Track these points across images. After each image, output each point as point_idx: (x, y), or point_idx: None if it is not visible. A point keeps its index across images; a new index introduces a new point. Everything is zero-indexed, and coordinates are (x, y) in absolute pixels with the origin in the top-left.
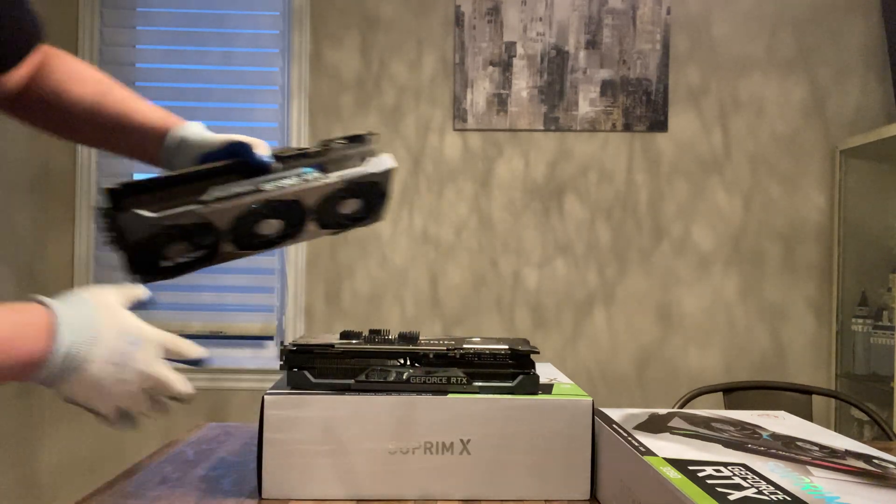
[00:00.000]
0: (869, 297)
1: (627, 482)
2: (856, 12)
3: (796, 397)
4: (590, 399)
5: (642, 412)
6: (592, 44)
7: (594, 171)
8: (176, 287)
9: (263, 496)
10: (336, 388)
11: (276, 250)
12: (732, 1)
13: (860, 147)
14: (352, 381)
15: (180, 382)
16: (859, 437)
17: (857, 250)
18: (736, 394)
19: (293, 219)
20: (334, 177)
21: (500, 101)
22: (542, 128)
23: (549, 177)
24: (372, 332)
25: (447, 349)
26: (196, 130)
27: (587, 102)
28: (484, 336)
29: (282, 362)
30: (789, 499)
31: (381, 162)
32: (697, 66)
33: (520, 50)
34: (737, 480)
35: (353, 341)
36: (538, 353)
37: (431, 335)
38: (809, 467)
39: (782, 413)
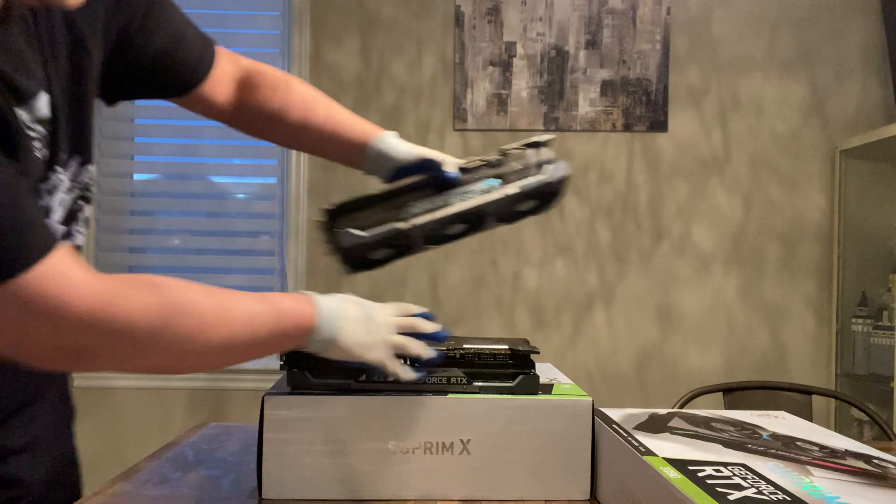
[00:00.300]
0: (869, 297)
1: (627, 482)
2: (856, 12)
3: (796, 397)
4: (590, 399)
5: (642, 412)
6: (592, 44)
7: (594, 171)
8: None
9: (263, 496)
10: (336, 388)
11: (277, 249)
12: (732, 1)
13: (860, 147)
14: (351, 381)
15: (418, 346)
16: (859, 437)
17: (857, 250)
18: (736, 394)
19: (477, 222)
20: (514, 187)
21: (500, 101)
22: (542, 128)
23: None
24: None
25: (447, 349)
26: (391, 143)
27: (587, 102)
28: (483, 336)
29: (281, 362)
30: (789, 499)
31: (557, 170)
32: (697, 66)
33: (520, 50)
34: (737, 480)
35: None
36: (538, 353)
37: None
38: (809, 467)
39: (782, 413)
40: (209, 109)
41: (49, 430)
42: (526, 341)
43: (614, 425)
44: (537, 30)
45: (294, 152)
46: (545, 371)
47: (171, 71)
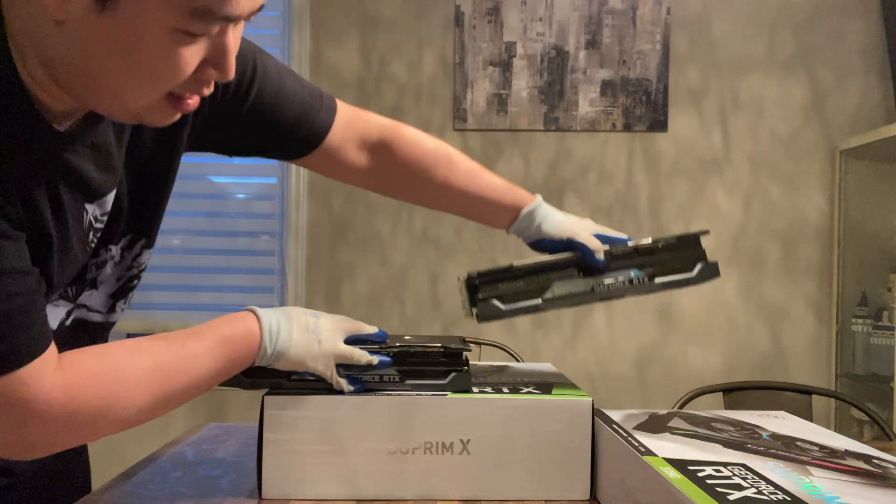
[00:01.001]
0: (869, 297)
1: (627, 482)
2: (856, 12)
3: (796, 397)
4: (590, 399)
5: (642, 412)
6: (592, 44)
7: (594, 171)
8: (176, 287)
9: (263, 496)
10: (266, 387)
11: (277, 249)
12: (732, 1)
13: (860, 147)
14: (285, 380)
15: (362, 355)
16: (859, 437)
17: (857, 250)
18: (736, 394)
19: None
20: (659, 284)
21: (500, 101)
22: (542, 128)
23: (549, 177)
24: None
25: (379, 347)
26: (545, 213)
27: (587, 102)
28: (420, 335)
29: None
30: (789, 499)
31: (706, 272)
32: (697, 66)
33: (520, 50)
34: (737, 480)
35: None
36: (470, 350)
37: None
38: (809, 467)
39: (782, 413)
40: (334, 170)
41: None
42: (462, 339)
43: (614, 425)
44: (537, 30)
45: None
46: (545, 370)
47: (284, 137)
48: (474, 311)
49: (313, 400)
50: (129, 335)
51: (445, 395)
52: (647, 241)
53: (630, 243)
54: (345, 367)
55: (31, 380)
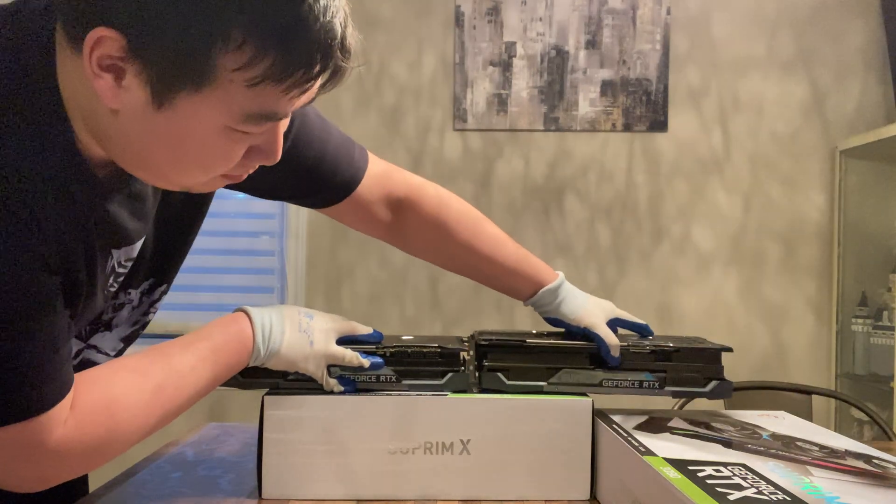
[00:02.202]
0: (869, 297)
1: (627, 482)
2: (856, 13)
3: (796, 397)
4: (590, 399)
5: (642, 412)
6: (592, 44)
7: (594, 171)
8: (176, 287)
9: (263, 496)
10: (265, 385)
11: (277, 249)
12: (732, 1)
13: (860, 147)
14: (281, 380)
15: (354, 357)
16: (859, 437)
17: (857, 250)
18: (736, 394)
19: None
20: (668, 392)
21: (500, 102)
22: (542, 128)
23: (549, 177)
24: None
25: (376, 347)
26: (565, 294)
27: (587, 102)
28: (419, 335)
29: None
30: (789, 499)
31: (720, 391)
32: (697, 66)
33: (520, 50)
34: (737, 480)
35: None
36: (467, 351)
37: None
38: (809, 467)
39: (782, 413)
40: (358, 222)
41: None
42: (460, 339)
43: (614, 425)
44: (537, 30)
45: None
46: None
47: (314, 187)
48: (478, 375)
49: (313, 400)
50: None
51: (445, 395)
52: (669, 345)
53: (647, 343)
54: (338, 368)
55: (51, 423)
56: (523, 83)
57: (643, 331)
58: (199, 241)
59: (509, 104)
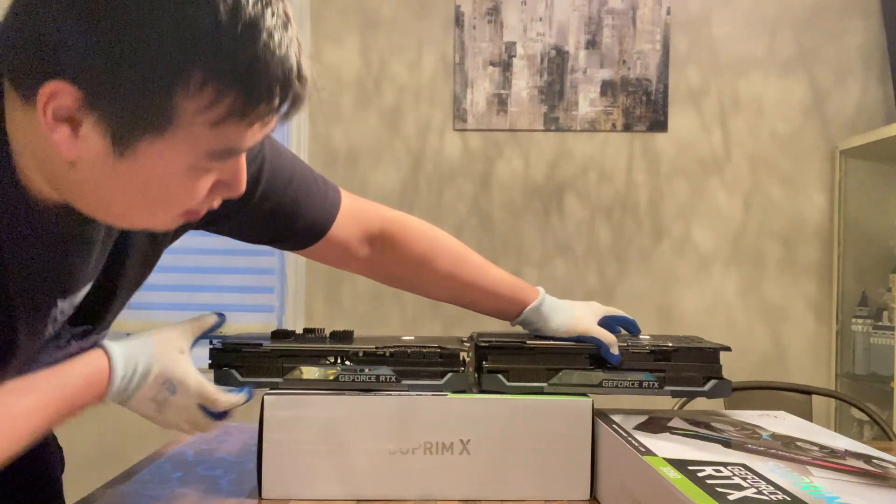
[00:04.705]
0: (869, 297)
1: (627, 482)
2: (856, 13)
3: (796, 397)
4: (590, 399)
5: (642, 412)
6: (592, 44)
7: (594, 171)
8: (176, 287)
9: (263, 496)
10: (264, 385)
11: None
12: (732, 1)
13: (860, 147)
14: (280, 380)
15: (207, 425)
16: (859, 437)
17: (857, 250)
18: (736, 394)
19: None
20: (668, 392)
21: (500, 102)
22: (542, 128)
23: (549, 177)
24: (306, 330)
25: (376, 348)
26: (550, 309)
27: (587, 102)
28: (420, 336)
29: (210, 361)
30: (789, 499)
31: (718, 389)
32: (697, 66)
33: (520, 50)
34: (737, 480)
35: (285, 340)
36: (466, 351)
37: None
38: (809, 467)
39: (782, 413)
40: (336, 260)
41: None
42: (460, 340)
43: (614, 425)
44: (537, 30)
45: (293, 150)
46: None
47: (287, 231)
48: (478, 376)
49: (313, 400)
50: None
51: (445, 395)
52: (668, 345)
53: (646, 343)
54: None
55: None
56: (523, 83)
57: (630, 325)
58: (199, 241)
59: (509, 104)
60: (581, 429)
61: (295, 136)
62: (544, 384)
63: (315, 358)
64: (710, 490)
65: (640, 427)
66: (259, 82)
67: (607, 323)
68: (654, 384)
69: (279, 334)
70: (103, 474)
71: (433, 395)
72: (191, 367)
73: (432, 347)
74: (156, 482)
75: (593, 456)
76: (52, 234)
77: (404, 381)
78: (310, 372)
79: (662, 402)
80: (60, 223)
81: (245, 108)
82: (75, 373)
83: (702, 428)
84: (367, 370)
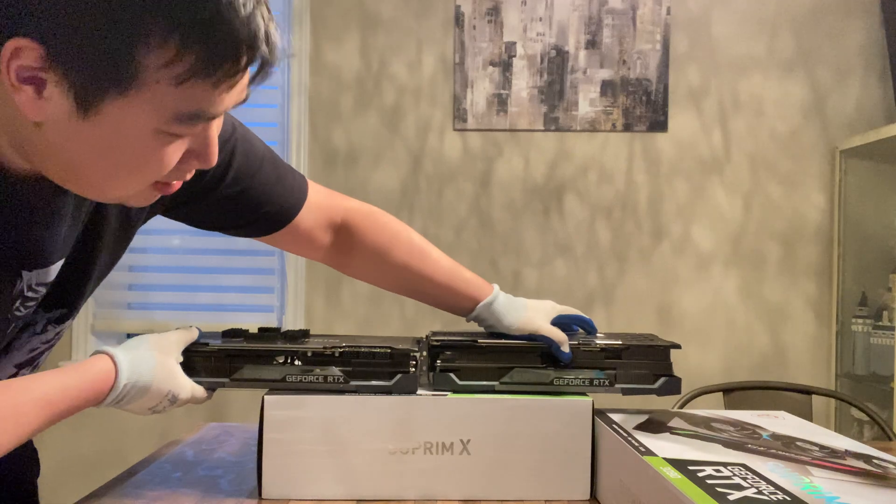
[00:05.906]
0: (869, 297)
1: (627, 482)
2: (856, 13)
3: (796, 397)
4: (590, 399)
5: (642, 412)
6: (592, 44)
7: (594, 171)
8: (176, 287)
9: (263, 496)
10: (212, 385)
11: (277, 249)
12: (732, 1)
13: (860, 147)
14: (226, 380)
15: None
16: (859, 437)
17: (857, 250)
18: (736, 394)
19: None
20: (618, 389)
21: (500, 102)
22: (542, 128)
23: (548, 177)
24: (261, 330)
25: (324, 348)
26: (503, 307)
27: (587, 102)
28: (379, 335)
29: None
30: (789, 499)
31: (668, 386)
32: (697, 66)
33: (520, 50)
34: (737, 480)
35: (235, 340)
36: (416, 352)
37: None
38: (809, 467)
39: (782, 413)
40: (298, 248)
41: None
42: (416, 340)
43: (614, 425)
44: (537, 30)
45: (293, 150)
46: None
47: (252, 218)
48: (430, 375)
49: (313, 400)
50: (129, 335)
51: (445, 395)
52: (618, 343)
53: (597, 341)
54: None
55: None
56: (523, 83)
57: (586, 324)
58: (199, 241)
59: (509, 104)
60: (581, 429)
61: (295, 136)
62: (496, 382)
63: (265, 358)
64: (711, 490)
65: (640, 427)
66: (222, 39)
67: (563, 322)
68: (604, 382)
69: (230, 334)
70: (103, 474)
71: (433, 395)
72: (185, 379)
73: (382, 348)
74: (156, 482)
75: (593, 456)
76: (18, 204)
77: (352, 382)
78: (257, 371)
79: (662, 402)
80: (29, 194)
81: (209, 67)
82: (81, 374)
83: (702, 428)
84: (317, 370)
